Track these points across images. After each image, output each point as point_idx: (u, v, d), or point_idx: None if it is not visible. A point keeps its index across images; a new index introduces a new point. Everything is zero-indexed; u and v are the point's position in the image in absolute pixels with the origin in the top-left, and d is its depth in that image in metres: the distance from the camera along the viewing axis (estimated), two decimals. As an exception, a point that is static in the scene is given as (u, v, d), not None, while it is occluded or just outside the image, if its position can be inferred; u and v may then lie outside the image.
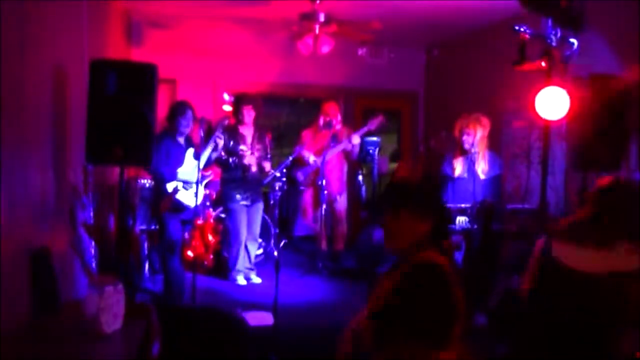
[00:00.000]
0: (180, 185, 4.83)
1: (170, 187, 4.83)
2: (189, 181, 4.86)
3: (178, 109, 4.90)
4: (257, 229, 5.68)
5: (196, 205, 4.86)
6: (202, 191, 4.96)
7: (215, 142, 5.15)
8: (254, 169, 5.50)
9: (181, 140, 4.91)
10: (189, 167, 4.89)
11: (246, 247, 5.61)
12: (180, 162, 4.85)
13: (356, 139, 5.90)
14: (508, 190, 5.92)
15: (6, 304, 2.35)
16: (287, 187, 6.47)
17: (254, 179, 5.54)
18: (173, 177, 4.83)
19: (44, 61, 3.11)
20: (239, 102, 5.55)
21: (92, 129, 3.24)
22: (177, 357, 3.27)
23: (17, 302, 2.55)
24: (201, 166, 4.91)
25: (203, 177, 4.99)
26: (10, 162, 2.51)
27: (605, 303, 2.52)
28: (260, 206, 5.69)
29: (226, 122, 5.32)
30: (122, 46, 6.27)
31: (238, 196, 5.44)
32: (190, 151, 4.94)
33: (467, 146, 4.94)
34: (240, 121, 5.48)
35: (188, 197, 4.83)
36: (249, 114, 5.47)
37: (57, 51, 3.39)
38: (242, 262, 5.57)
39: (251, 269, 5.68)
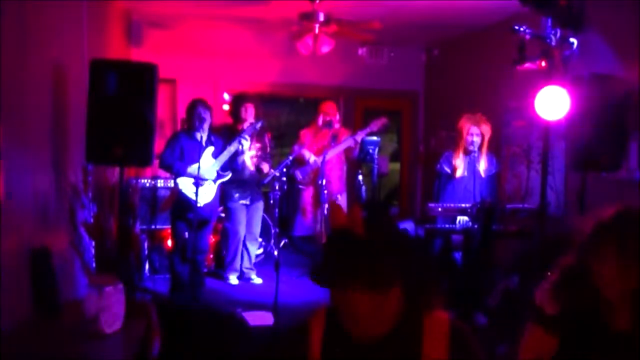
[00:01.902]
0: (189, 182, 4.82)
1: (178, 183, 4.86)
2: (202, 179, 4.80)
3: (188, 106, 4.96)
4: (257, 228, 5.68)
5: (209, 204, 4.86)
6: (214, 190, 4.94)
7: (240, 143, 5.08)
8: (252, 168, 5.48)
9: (199, 137, 4.84)
10: (206, 166, 4.86)
11: (246, 247, 5.61)
12: (194, 158, 4.83)
13: (359, 139, 5.88)
14: (508, 190, 5.92)
15: (6, 304, 2.35)
16: (287, 187, 6.46)
17: (253, 179, 5.53)
18: (183, 172, 4.83)
19: (44, 61, 3.11)
20: (239, 101, 5.51)
21: (92, 129, 3.25)
22: (177, 357, 3.27)
23: (17, 302, 2.55)
24: (218, 166, 4.91)
25: (218, 177, 4.97)
26: (11, 162, 2.51)
27: None
28: (260, 205, 5.69)
29: (258, 125, 5.25)
30: (122, 46, 6.27)
31: (237, 195, 5.44)
32: (210, 149, 4.92)
33: (473, 147, 4.90)
34: (240, 120, 5.46)
35: (201, 196, 4.81)
36: (249, 114, 5.46)
37: (57, 51, 3.39)
38: (238, 262, 5.56)
39: (251, 269, 5.68)
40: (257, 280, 5.63)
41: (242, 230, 5.50)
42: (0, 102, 2.36)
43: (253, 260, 5.73)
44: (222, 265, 5.66)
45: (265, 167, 5.58)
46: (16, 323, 2.46)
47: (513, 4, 3.49)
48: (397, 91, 8.21)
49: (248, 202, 5.50)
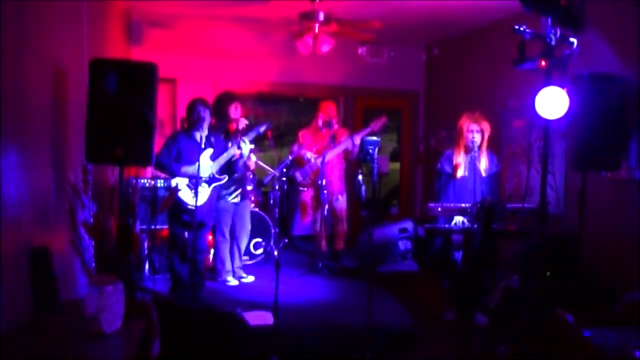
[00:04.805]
0: (183, 184, 4.80)
1: (173, 184, 4.83)
2: (198, 179, 4.76)
3: (188, 106, 4.90)
4: (248, 225, 5.66)
5: (203, 207, 4.83)
6: (207, 193, 4.90)
7: (239, 147, 4.96)
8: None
9: (198, 137, 4.78)
10: (204, 167, 4.80)
11: (238, 245, 5.60)
12: (192, 160, 4.80)
13: (358, 140, 5.87)
14: (508, 189, 5.93)
15: (6, 304, 2.35)
16: (286, 187, 6.46)
17: (241, 177, 5.51)
18: (177, 173, 4.80)
19: (44, 61, 3.11)
20: (225, 100, 5.41)
21: (92, 129, 3.24)
22: (177, 357, 3.27)
23: (17, 302, 2.55)
24: (215, 169, 4.88)
25: (213, 180, 4.92)
26: (10, 162, 2.51)
27: None
28: (248, 203, 5.72)
29: (262, 129, 5.20)
30: (122, 46, 6.27)
31: (228, 195, 5.41)
32: (209, 151, 4.88)
33: (473, 144, 4.89)
34: (229, 120, 5.40)
35: (199, 197, 4.78)
36: (235, 112, 5.42)
37: (57, 51, 3.39)
38: (229, 264, 5.55)
39: (241, 268, 5.66)
40: (249, 278, 5.62)
41: (227, 231, 5.47)
42: (0, 102, 2.36)
43: (243, 255, 5.73)
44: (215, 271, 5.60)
45: (252, 164, 5.63)
46: (16, 323, 2.46)
47: (513, 3, 3.49)
48: (397, 91, 8.21)
49: (237, 201, 5.49)
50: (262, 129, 5.21)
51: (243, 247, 5.69)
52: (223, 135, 5.24)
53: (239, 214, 5.56)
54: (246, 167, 5.53)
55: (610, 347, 2.68)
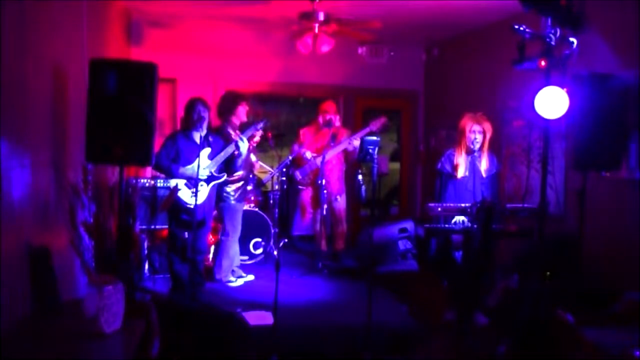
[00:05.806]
0: (182, 183, 4.80)
1: (172, 184, 4.83)
2: (197, 180, 4.74)
3: (187, 105, 4.88)
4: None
5: (202, 206, 4.83)
6: (206, 192, 4.90)
7: (237, 146, 4.91)
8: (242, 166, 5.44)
9: (197, 137, 4.77)
10: (201, 167, 4.78)
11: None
12: (190, 160, 4.79)
13: (357, 141, 5.86)
14: (508, 189, 5.92)
15: (6, 304, 2.35)
16: (286, 187, 6.46)
17: (244, 178, 5.52)
18: (175, 174, 4.79)
19: (44, 61, 3.11)
20: (235, 99, 5.40)
21: (92, 129, 3.25)
22: (177, 357, 3.27)
23: (17, 302, 2.55)
24: (213, 167, 4.87)
25: (212, 178, 4.91)
26: (10, 162, 2.51)
27: None
28: (243, 204, 5.74)
29: (260, 126, 5.17)
30: (122, 46, 6.27)
31: (234, 195, 5.42)
32: (207, 150, 4.87)
33: (475, 146, 4.88)
34: (237, 118, 5.41)
35: (198, 197, 4.77)
36: (244, 113, 5.42)
37: (57, 51, 3.39)
38: (238, 259, 5.57)
39: (239, 267, 5.68)
40: (250, 277, 5.62)
41: (239, 228, 5.50)
42: (0, 102, 2.36)
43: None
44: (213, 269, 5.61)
45: (257, 165, 5.65)
46: (16, 323, 2.46)
47: (513, 3, 3.49)
48: (397, 90, 8.21)
49: (242, 201, 5.51)
50: (260, 126, 5.20)
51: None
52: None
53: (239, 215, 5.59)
54: (250, 169, 5.54)
55: (610, 347, 2.68)
